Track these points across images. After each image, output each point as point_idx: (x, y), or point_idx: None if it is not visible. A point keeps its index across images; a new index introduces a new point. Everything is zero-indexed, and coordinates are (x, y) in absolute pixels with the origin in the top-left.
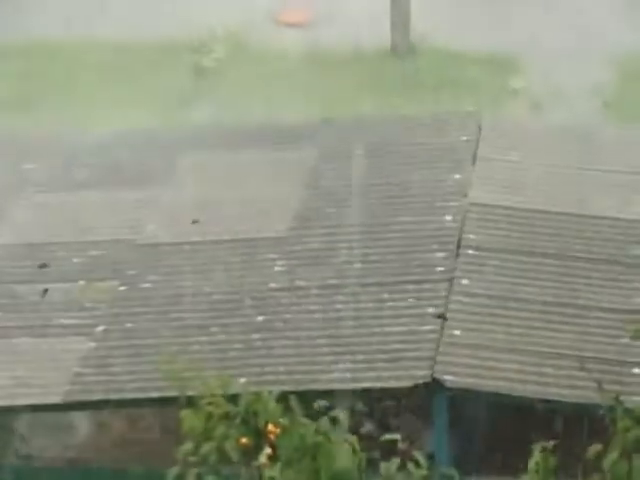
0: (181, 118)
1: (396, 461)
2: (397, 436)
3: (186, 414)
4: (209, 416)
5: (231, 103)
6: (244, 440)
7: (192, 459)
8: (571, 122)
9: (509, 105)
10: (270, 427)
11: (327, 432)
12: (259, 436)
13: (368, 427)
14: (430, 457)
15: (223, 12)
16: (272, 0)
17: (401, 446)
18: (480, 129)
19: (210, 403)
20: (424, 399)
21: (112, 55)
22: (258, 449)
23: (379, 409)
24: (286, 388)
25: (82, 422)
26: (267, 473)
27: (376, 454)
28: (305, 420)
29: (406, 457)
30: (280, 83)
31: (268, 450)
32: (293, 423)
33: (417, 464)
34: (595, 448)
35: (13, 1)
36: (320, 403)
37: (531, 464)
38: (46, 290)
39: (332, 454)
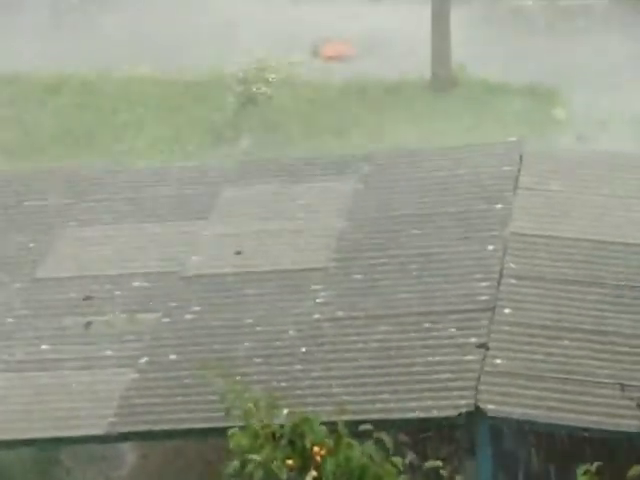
0: (223, 151)
1: None
2: (439, 463)
3: (234, 432)
4: (256, 434)
5: (271, 135)
6: (290, 462)
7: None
8: (613, 151)
9: (551, 135)
10: (316, 449)
11: (372, 454)
12: (305, 457)
13: (411, 457)
14: None
15: (267, 46)
16: (315, 34)
17: (444, 473)
18: (521, 159)
19: (256, 423)
20: (467, 429)
21: (157, 89)
22: (304, 470)
23: (422, 439)
24: (329, 419)
25: (125, 454)
26: None
27: None
28: (351, 442)
29: None
30: (322, 116)
31: (314, 473)
32: (339, 445)
33: None
34: (637, 469)
35: (58, 35)
36: (365, 426)
37: None
38: (90, 322)
39: (377, 476)
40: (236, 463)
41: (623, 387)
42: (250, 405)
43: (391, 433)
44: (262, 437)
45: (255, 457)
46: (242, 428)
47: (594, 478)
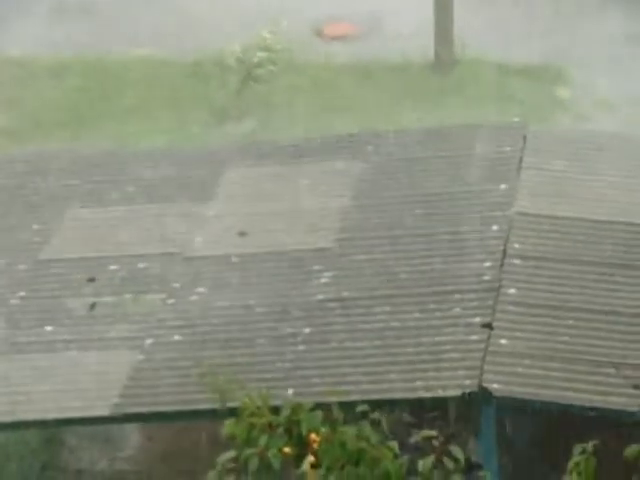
0: (226, 131)
1: (431, 458)
2: (433, 433)
3: (229, 423)
4: (251, 426)
5: (275, 116)
6: (287, 449)
7: (231, 466)
8: (616, 131)
9: (554, 115)
10: (312, 436)
11: (368, 437)
12: (302, 445)
13: (416, 438)
14: (478, 466)
15: (268, 26)
16: (316, 13)
17: (435, 443)
18: (525, 139)
19: (252, 414)
20: (472, 409)
21: (158, 70)
22: (301, 458)
23: (427, 420)
24: (334, 399)
25: (131, 435)
26: None
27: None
28: (346, 427)
29: (443, 454)
30: (324, 96)
31: (311, 458)
32: (334, 431)
33: (454, 460)
34: (634, 449)
35: (61, 18)
36: (360, 408)
37: (570, 465)
38: (94, 304)
39: (374, 460)
40: (231, 453)
41: (618, 367)
42: (246, 400)
43: (396, 413)
44: (258, 428)
45: (251, 450)
46: (236, 415)
47: (591, 457)
